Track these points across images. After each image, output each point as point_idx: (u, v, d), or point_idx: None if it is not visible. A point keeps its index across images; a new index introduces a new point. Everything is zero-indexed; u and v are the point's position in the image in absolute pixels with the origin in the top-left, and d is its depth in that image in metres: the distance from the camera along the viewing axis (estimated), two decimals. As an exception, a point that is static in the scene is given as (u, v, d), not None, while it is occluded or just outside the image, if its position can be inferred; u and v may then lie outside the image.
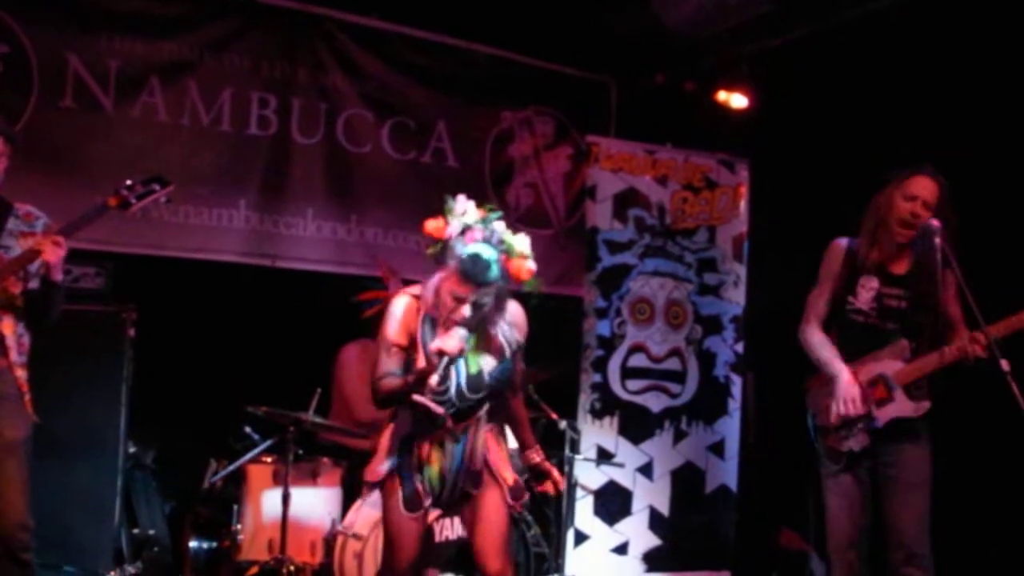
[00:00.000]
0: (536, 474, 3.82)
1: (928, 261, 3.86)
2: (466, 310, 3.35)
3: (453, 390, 3.47)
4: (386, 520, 3.63)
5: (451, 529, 4.59)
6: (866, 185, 4.36)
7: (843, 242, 4.13)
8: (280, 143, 5.93)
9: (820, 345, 4.09)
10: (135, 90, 5.51)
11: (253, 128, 5.86)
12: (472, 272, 3.35)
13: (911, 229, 3.91)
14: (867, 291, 4.00)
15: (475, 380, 3.50)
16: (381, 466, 3.60)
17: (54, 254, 3.64)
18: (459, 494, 3.63)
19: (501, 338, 3.54)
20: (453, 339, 3.33)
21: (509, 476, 3.65)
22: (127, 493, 5.00)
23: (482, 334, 3.48)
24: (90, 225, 3.84)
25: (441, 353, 3.31)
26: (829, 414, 3.98)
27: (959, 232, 3.90)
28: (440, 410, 3.43)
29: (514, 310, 3.62)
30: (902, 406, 3.90)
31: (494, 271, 3.38)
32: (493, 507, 3.62)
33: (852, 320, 4.05)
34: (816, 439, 4.14)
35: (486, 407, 3.60)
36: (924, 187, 3.90)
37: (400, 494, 3.55)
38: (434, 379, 3.31)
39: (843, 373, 3.96)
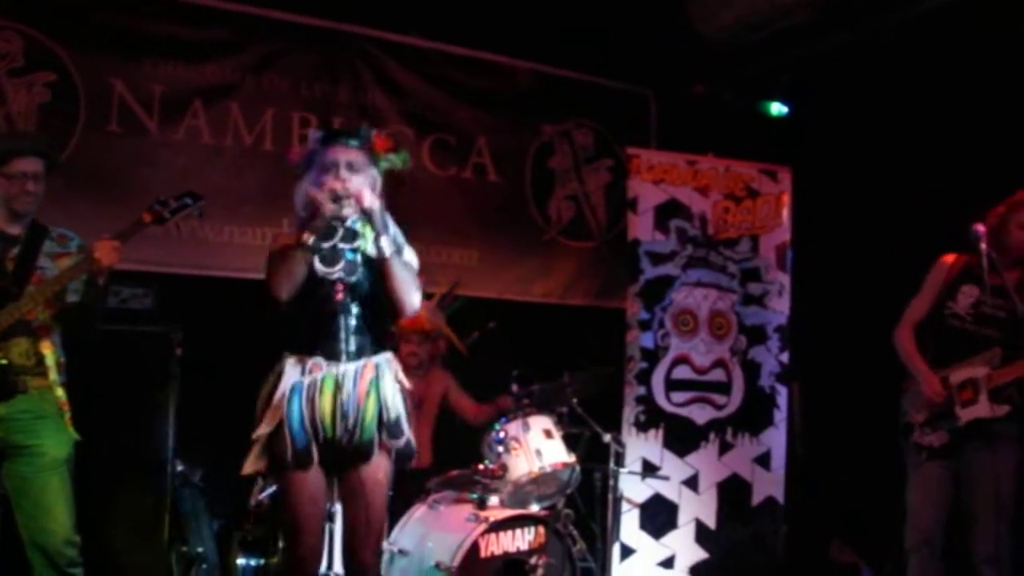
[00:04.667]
0: None
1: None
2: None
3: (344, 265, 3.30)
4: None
5: (497, 544, 4.59)
6: (910, 191, 4.34)
7: (950, 257, 4.43)
8: (322, 162, 5.97)
9: (907, 348, 4.43)
10: (179, 113, 5.59)
11: (296, 147, 5.91)
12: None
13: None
14: (967, 297, 4.27)
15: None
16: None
17: (110, 257, 3.70)
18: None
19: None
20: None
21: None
22: (175, 511, 5.05)
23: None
24: (127, 241, 3.87)
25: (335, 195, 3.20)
26: (918, 411, 4.31)
27: None
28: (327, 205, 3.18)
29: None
30: (983, 408, 4.13)
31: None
32: (374, 480, 3.29)
33: (950, 324, 4.32)
34: (904, 436, 4.39)
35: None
36: None
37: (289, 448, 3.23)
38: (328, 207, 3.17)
39: (925, 370, 4.31)
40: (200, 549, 5.09)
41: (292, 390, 3.27)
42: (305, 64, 5.95)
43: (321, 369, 3.27)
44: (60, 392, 3.81)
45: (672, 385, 6.01)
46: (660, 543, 5.87)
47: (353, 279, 3.33)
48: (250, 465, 3.35)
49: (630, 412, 5.93)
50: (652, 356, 5.99)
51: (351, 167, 3.33)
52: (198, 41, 5.64)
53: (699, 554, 5.90)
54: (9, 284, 3.74)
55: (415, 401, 4.84)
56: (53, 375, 3.79)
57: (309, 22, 5.94)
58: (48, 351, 3.79)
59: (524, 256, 6.63)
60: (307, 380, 3.26)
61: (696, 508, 5.92)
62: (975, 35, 5.08)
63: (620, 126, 6.92)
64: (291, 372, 3.29)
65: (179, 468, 5.07)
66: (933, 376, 4.28)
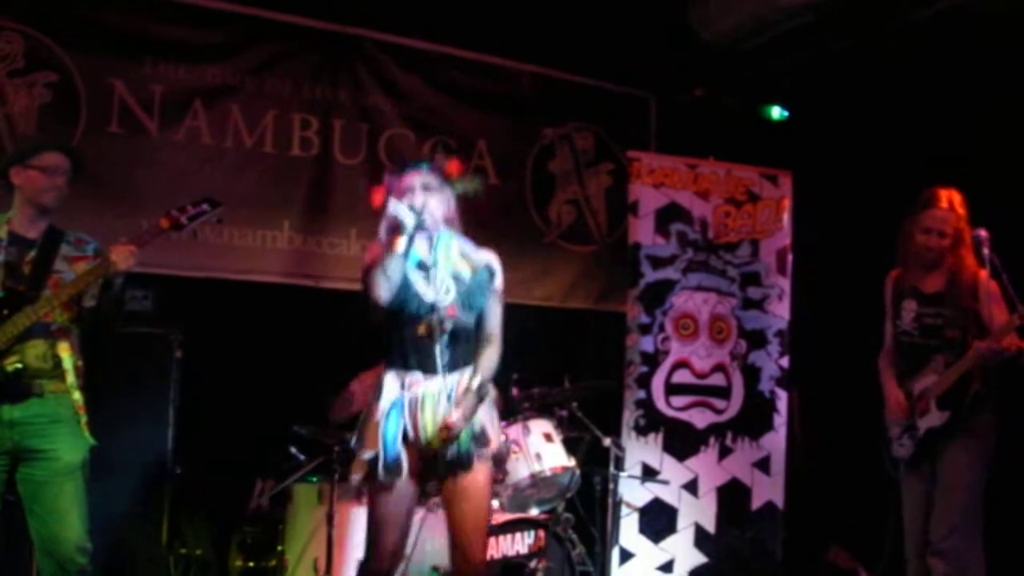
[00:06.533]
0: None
1: (962, 275, 4.22)
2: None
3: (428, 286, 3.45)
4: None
5: (496, 548, 4.58)
6: (909, 196, 4.36)
7: (893, 274, 4.53)
8: (323, 164, 5.98)
9: (880, 369, 4.56)
10: (179, 114, 5.60)
11: (296, 149, 5.92)
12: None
13: (930, 255, 4.30)
14: (908, 313, 4.39)
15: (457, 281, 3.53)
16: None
17: (127, 262, 3.72)
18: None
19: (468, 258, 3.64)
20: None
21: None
22: (174, 513, 5.04)
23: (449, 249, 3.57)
24: (144, 246, 3.88)
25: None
26: (894, 425, 4.43)
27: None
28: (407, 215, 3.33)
29: (489, 255, 3.72)
30: (935, 417, 4.25)
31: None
32: (476, 486, 3.44)
33: (902, 341, 4.44)
34: (886, 451, 4.49)
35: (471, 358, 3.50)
36: (935, 219, 4.29)
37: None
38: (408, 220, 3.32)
39: (889, 387, 4.46)
40: (199, 552, 5.09)
41: (392, 406, 3.41)
42: (306, 66, 5.95)
43: (419, 384, 3.41)
44: (77, 396, 3.77)
45: (672, 389, 6.00)
46: (659, 547, 5.86)
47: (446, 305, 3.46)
48: (356, 472, 3.51)
49: (630, 416, 5.92)
50: (652, 360, 5.98)
51: (426, 188, 3.53)
52: (199, 42, 5.65)
53: (698, 558, 5.88)
54: (26, 287, 3.73)
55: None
56: (71, 378, 3.75)
57: (310, 24, 5.94)
58: (66, 354, 3.75)
59: (524, 259, 6.61)
60: (408, 396, 3.41)
61: (695, 512, 5.91)
62: (976, 40, 5.08)
63: (621, 130, 6.92)
64: (391, 387, 3.44)
65: (178, 470, 5.07)
66: (896, 390, 4.41)
